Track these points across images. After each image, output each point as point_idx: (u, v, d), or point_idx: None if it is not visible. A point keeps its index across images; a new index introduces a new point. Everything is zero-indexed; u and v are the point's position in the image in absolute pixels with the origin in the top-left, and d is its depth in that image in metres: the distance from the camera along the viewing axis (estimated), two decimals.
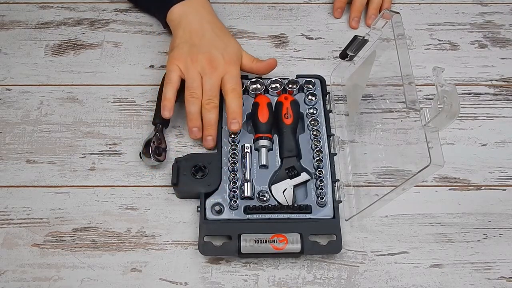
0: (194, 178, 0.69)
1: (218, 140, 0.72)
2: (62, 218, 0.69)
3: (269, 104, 0.74)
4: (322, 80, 0.77)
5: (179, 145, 0.75)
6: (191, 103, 0.71)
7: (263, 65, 0.76)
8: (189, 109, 0.71)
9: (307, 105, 0.75)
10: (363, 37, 0.69)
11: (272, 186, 0.69)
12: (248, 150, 0.71)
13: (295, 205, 0.67)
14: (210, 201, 0.68)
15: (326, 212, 0.67)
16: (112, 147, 0.75)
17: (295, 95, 0.76)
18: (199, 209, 0.67)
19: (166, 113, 0.70)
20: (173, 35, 0.76)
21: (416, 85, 0.62)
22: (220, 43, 0.74)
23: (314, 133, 0.73)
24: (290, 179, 0.69)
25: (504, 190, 0.72)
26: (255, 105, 0.74)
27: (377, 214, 0.69)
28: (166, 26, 0.81)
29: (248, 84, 0.76)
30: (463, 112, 0.78)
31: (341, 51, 0.72)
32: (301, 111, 0.75)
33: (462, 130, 0.76)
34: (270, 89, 0.76)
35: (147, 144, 0.71)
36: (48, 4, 0.89)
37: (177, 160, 0.70)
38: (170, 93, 0.71)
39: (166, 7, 0.77)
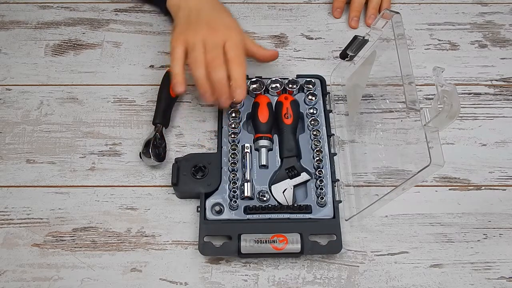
0: (194, 178, 0.69)
1: (220, 139, 0.72)
2: (62, 218, 0.69)
3: (269, 104, 0.74)
4: (322, 80, 0.77)
5: (179, 145, 0.75)
6: (195, 67, 0.68)
7: (267, 52, 0.75)
8: (195, 74, 0.69)
9: (307, 105, 0.75)
10: (363, 37, 0.69)
11: (272, 186, 0.69)
12: (248, 150, 0.71)
13: (295, 205, 0.67)
14: (210, 201, 0.68)
15: (326, 212, 0.67)
16: (112, 147, 0.75)
17: (295, 95, 0.76)
18: (199, 209, 0.67)
19: (179, 88, 0.68)
20: (174, 19, 0.76)
21: (416, 85, 0.62)
22: (219, 15, 0.74)
23: (314, 133, 0.73)
24: (290, 179, 0.69)
25: (504, 190, 0.72)
26: (255, 105, 0.74)
27: (377, 214, 0.69)
28: (167, 13, 0.81)
29: (248, 84, 0.76)
30: (463, 112, 0.78)
31: (341, 51, 0.72)
32: (301, 111, 0.75)
33: (462, 130, 0.76)
34: (270, 89, 0.76)
35: (147, 144, 0.71)
36: (48, 4, 0.89)
37: (177, 160, 0.70)
38: (177, 68, 0.69)
39: None
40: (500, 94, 0.80)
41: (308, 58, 0.83)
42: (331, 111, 0.76)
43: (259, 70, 0.80)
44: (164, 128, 0.74)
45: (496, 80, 0.81)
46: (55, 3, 0.89)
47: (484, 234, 0.68)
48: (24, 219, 0.69)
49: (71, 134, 0.76)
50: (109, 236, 0.68)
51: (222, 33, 0.70)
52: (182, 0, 0.76)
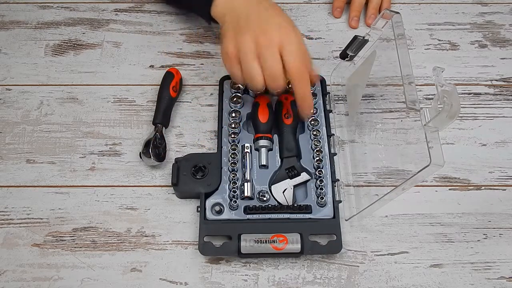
0: (194, 178, 0.69)
1: (220, 140, 0.72)
2: (62, 218, 0.69)
3: (269, 104, 0.74)
4: (322, 80, 0.77)
5: (179, 145, 0.75)
6: (252, 81, 0.64)
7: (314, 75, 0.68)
8: (251, 88, 0.67)
9: None
10: (363, 37, 0.69)
11: (272, 186, 0.69)
12: (248, 150, 0.71)
13: (295, 205, 0.67)
14: (210, 201, 0.68)
15: (326, 212, 0.67)
16: (112, 147, 0.75)
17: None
18: (199, 209, 0.67)
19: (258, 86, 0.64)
20: (221, 28, 0.69)
21: (416, 85, 0.62)
22: (271, 14, 0.65)
23: (314, 133, 0.73)
24: (290, 179, 0.69)
25: (504, 190, 0.72)
26: (255, 105, 0.74)
27: (377, 214, 0.69)
28: (211, 21, 0.73)
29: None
30: (463, 112, 0.78)
31: (341, 51, 0.72)
32: None
33: (462, 130, 0.76)
34: (270, 89, 0.76)
35: (147, 144, 0.71)
36: (48, 4, 0.89)
37: (177, 160, 0.70)
38: (239, 81, 0.67)
39: (208, 2, 0.70)
40: (500, 94, 0.80)
41: None
42: (331, 111, 0.76)
43: None
44: (164, 128, 0.74)
45: (496, 80, 0.81)
46: (55, 3, 0.89)
47: (484, 234, 0.68)
48: (24, 219, 0.69)
49: (71, 134, 0.76)
50: (109, 236, 0.68)
51: (277, 40, 0.62)
52: (227, 6, 0.69)
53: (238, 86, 0.76)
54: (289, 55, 0.62)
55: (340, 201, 0.68)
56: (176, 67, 0.80)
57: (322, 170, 0.70)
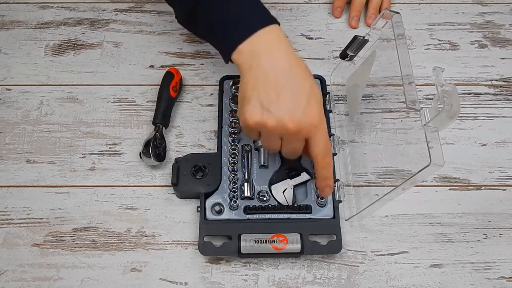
0: (194, 178, 0.69)
1: (219, 143, 0.72)
2: (62, 218, 0.69)
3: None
4: (322, 80, 0.77)
5: (179, 145, 0.75)
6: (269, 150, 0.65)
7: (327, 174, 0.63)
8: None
9: None
10: (363, 37, 0.69)
11: (272, 186, 0.69)
12: (248, 150, 0.71)
13: (295, 205, 0.67)
14: (210, 201, 0.68)
15: (326, 212, 0.67)
16: (112, 147, 0.75)
17: None
18: (199, 209, 0.67)
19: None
20: (242, 79, 0.61)
21: (416, 85, 0.62)
22: (302, 98, 0.58)
23: None
24: (290, 179, 0.69)
25: (504, 190, 0.72)
26: None
27: (377, 214, 0.69)
28: (231, 61, 0.64)
29: None
30: (463, 112, 0.78)
31: (341, 51, 0.72)
32: None
33: (462, 130, 0.76)
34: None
35: (147, 144, 0.71)
36: (48, 4, 0.89)
37: (177, 160, 0.70)
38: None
39: (231, 45, 0.61)
40: (500, 94, 0.80)
41: (308, 58, 0.83)
42: (331, 111, 0.76)
43: None
44: (164, 128, 0.74)
45: (496, 80, 0.81)
46: (55, 3, 0.89)
47: (484, 234, 0.68)
48: (24, 219, 0.69)
49: (71, 134, 0.76)
50: (109, 236, 0.68)
51: (306, 131, 0.58)
52: (254, 60, 0.59)
53: (238, 86, 0.76)
54: (316, 146, 0.59)
55: (340, 201, 0.68)
56: (176, 67, 0.80)
57: None
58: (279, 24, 0.62)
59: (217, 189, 0.68)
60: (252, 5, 0.63)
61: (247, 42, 0.60)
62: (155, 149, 0.71)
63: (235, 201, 0.67)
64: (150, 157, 0.70)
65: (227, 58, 0.63)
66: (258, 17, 0.62)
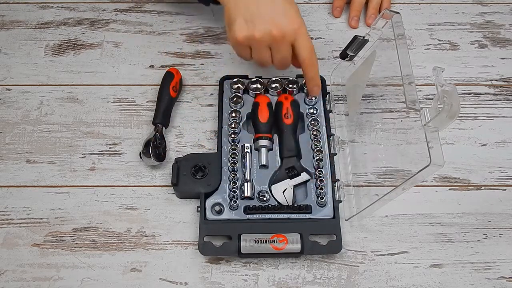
0: (194, 178, 0.69)
1: (219, 141, 0.72)
2: (62, 218, 0.69)
3: (269, 104, 0.74)
4: (322, 80, 0.77)
5: (179, 145, 0.75)
6: (262, 65, 0.69)
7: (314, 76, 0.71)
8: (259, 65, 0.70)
9: (307, 105, 0.75)
10: (363, 37, 0.69)
11: (272, 186, 0.69)
12: (248, 150, 0.71)
13: (295, 205, 0.67)
14: (210, 201, 0.68)
15: (326, 212, 0.67)
16: (112, 147, 0.75)
17: (295, 95, 0.76)
18: (199, 209, 0.67)
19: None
20: (225, 9, 0.67)
21: (416, 85, 0.61)
22: (279, 5, 0.65)
23: (314, 133, 0.73)
24: (290, 179, 0.69)
25: (504, 190, 0.72)
26: (255, 105, 0.74)
27: (377, 214, 0.69)
28: (212, 1, 0.72)
29: (248, 84, 0.76)
30: (463, 112, 0.78)
31: (341, 51, 0.72)
32: (301, 111, 0.75)
33: (462, 130, 0.76)
34: (270, 89, 0.76)
35: (147, 144, 0.71)
36: (48, 4, 0.89)
37: (177, 160, 0.70)
38: (247, 59, 0.69)
39: None
40: (500, 94, 0.80)
41: None
42: (331, 111, 0.76)
43: (259, 70, 0.80)
44: (164, 128, 0.74)
45: (496, 80, 0.81)
46: (55, 3, 0.89)
47: (484, 234, 0.68)
48: (24, 219, 0.69)
49: (71, 134, 0.76)
50: (109, 236, 0.68)
51: (290, 34, 0.65)
52: None
53: (238, 86, 0.76)
54: (301, 48, 0.66)
55: (340, 201, 0.68)
56: (176, 67, 0.80)
57: (322, 170, 0.70)
58: None
59: (217, 189, 0.68)
60: None
61: None
62: (155, 149, 0.71)
63: (235, 201, 0.67)
64: (150, 157, 0.70)
65: None
66: None
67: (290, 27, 0.65)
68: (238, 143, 0.72)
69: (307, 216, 0.67)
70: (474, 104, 0.79)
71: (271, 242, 0.64)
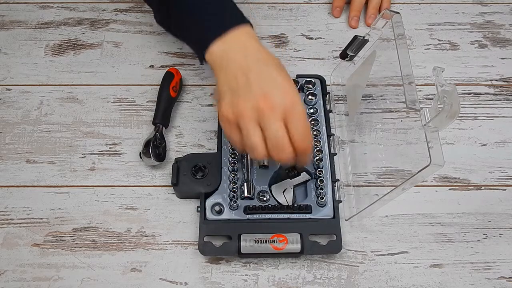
0: (194, 178, 0.69)
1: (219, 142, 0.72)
2: (62, 218, 0.69)
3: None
4: (322, 80, 0.77)
5: (179, 145, 0.75)
6: (254, 154, 0.58)
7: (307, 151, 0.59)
8: (253, 158, 0.60)
9: (307, 105, 0.75)
10: (363, 37, 0.69)
11: (272, 186, 0.69)
12: None
13: (295, 205, 0.67)
14: (210, 201, 0.68)
15: (326, 212, 0.67)
16: (112, 147, 0.75)
17: None
18: (199, 209, 0.67)
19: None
20: (216, 79, 0.61)
21: (416, 85, 0.61)
22: (272, 76, 0.58)
23: (314, 133, 0.73)
24: (290, 179, 0.69)
25: (504, 190, 0.72)
26: None
27: (377, 214, 0.69)
28: (206, 62, 0.63)
29: None
30: (463, 112, 0.78)
31: (341, 51, 0.72)
32: None
33: (462, 130, 0.76)
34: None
35: (147, 144, 0.71)
36: (48, 4, 0.89)
37: (177, 160, 0.70)
38: (239, 146, 0.60)
39: (203, 45, 0.61)
40: (500, 94, 0.80)
41: (308, 58, 0.83)
42: (331, 111, 0.76)
43: None
44: (164, 128, 0.74)
45: (496, 80, 0.81)
46: (55, 3, 0.89)
47: (484, 234, 0.68)
48: (24, 219, 0.69)
49: (71, 134, 0.76)
50: (109, 236, 0.68)
51: (281, 105, 0.56)
52: (224, 57, 0.59)
53: None
54: (294, 123, 0.56)
55: (340, 201, 0.68)
56: (176, 67, 0.80)
57: (322, 170, 0.70)
58: (251, 25, 0.62)
59: (217, 189, 0.68)
60: (223, 6, 0.63)
61: (219, 42, 0.60)
62: (155, 149, 0.71)
63: (235, 201, 0.67)
64: (150, 157, 0.70)
65: (201, 59, 0.62)
66: (229, 17, 0.62)
67: (281, 100, 0.56)
68: None
69: (307, 216, 0.67)
70: (474, 104, 0.79)
71: (271, 242, 0.64)
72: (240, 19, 0.62)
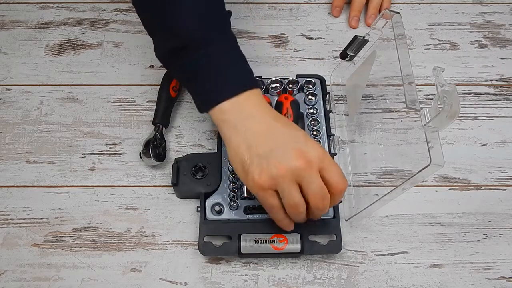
0: (194, 178, 0.69)
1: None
2: (62, 218, 0.69)
3: (269, 104, 0.74)
4: (322, 80, 0.77)
5: (179, 145, 0.75)
6: (296, 215, 0.59)
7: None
8: (296, 220, 0.61)
9: (307, 105, 0.75)
10: (363, 37, 0.69)
11: None
12: None
13: None
14: (210, 201, 0.68)
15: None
16: (112, 147, 0.75)
17: (295, 95, 0.76)
18: (199, 209, 0.67)
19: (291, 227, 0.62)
20: (229, 142, 0.58)
21: (416, 85, 0.62)
22: (295, 133, 0.58)
23: (314, 133, 0.73)
24: None
25: (504, 190, 0.72)
26: None
27: (377, 214, 0.69)
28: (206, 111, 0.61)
29: None
30: (463, 112, 0.78)
31: (341, 51, 0.72)
32: (301, 111, 0.75)
33: (462, 130, 0.76)
34: (270, 89, 0.76)
35: (147, 144, 0.71)
36: (48, 4, 0.89)
37: (177, 160, 0.70)
38: (281, 216, 0.60)
39: (212, 100, 0.59)
40: (500, 94, 0.80)
41: (308, 58, 0.83)
42: (331, 111, 0.76)
43: (259, 70, 0.80)
44: (164, 128, 0.74)
45: (496, 80, 0.81)
46: (55, 3, 0.89)
47: (484, 234, 0.68)
48: (24, 219, 0.69)
49: (71, 134, 0.76)
50: (109, 236, 0.68)
51: (316, 160, 0.55)
52: (238, 118, 0.57)
53: None
54: (332, 175, 0.56)
55: (340, 201, 0.68)
56: None
57: None
58: (261, 88, 0.61)
59: (217, 189, 0.68)
60: (239, 68, 0.61)
61: (231, 102, 0.58)
62: (155, 149, 0.71)
63: (235, 201, 0.67)
64: (150, 157, 0.70)
65: (204, 110, 0.60)
66: (244, 79, 0.61)
67: (313, 151, 0.56)
68: None
69: None
70: (474, 104, 0.79)
71: (271, 242, 0.64)
72: (253, 82, 0.61)
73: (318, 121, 0.73)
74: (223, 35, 0.61)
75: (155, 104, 0.76)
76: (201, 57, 0.59)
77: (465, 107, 0.78)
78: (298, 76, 0.77)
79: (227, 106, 0.58)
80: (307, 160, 0.55)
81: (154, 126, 0.74)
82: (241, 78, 0.61)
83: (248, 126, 0.57)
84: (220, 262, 0.66)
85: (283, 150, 0.55)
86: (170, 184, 0.70)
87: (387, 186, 0.71)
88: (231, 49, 0.62)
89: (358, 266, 0.66)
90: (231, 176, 0.69)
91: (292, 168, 0.55)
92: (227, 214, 0.67)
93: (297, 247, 0.64)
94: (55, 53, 0.83)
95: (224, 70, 0.60)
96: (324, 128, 0.73)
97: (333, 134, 0.73)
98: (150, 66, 0.82)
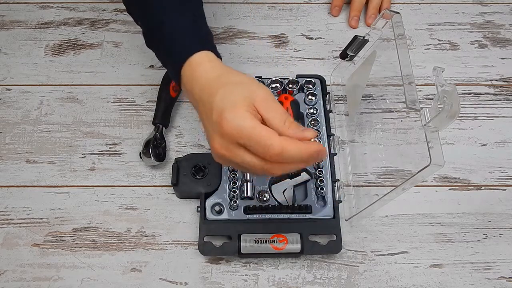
0: (194, 178, 0.69)
1: None
2: (62, 218, 0.69)
3: None
4: (322, 80, 0.77)
5: (179, 145, 0.75)
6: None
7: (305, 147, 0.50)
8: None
9: (307, 105, 0.75)
10: (363, 37, 0.69)
11: (272, 186, 0.69)
12: None
13: (295, 205, 0.67)
14: (210, 201, 0.68)
15: (326, 212, 0.67)
16: (112, 147, 0.75)
17: (295, 95, 0.76)
18: (199, 209, 0.67)
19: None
20: (196, 109, 0.57)
21: (416, 85, 0.62)
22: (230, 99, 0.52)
23: None
24: (290, 179, 0.69)
25: (504, 190, 0.72)
26: None
27: (377, 214, 0.69)
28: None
29: None
30: (463, 112, 0.78)
31: (341, 51, 0.72)
32: (301, 111, 0.75)
33: (462, 130, 0.76)
34: (270, 89, 0.76)
35: (147, 144, 0.71)
36: (48, 4, 0.89)
37: (177, 160, 0.70)
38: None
39: (176, 73, 0.59)
40: (500, 94, 0.80)
41: (308, 58, 0.83)
42: (331, 111, 0.76)
43: (259, 70, 0.80)
44: (164, 128, 0.74)
45: (496, 80, 0.81)
46: (55, 3, 0.89)
47: (484, 234, 0.68)
48: (24, 219, 0.69)
49: (71, 134, 0.76)
50: (109, 236, 0.68)
51: (233, 133, 0.50)
52: (190, 85, 0.56)
53: None
54: (255, 146, 0.49)
55: (340, 201, 0.68)
56: None
57: (322, 170, 0.70)
58: (214, 48, 0.59)
59: (217, 189, 0.68)
60: (190, 29, 0.60)
61: (185, 68, 0.56)
62: (155, 149, 0.71)
63: (235, 201, 0.67)
64: (150, 157, 0.70)
65: (179, 85, 0.60)
66: (191, 41, 0.59)
67: (230, 127, 0.49)
68: None
69: (307, 216, 0.67)
70: (474, 104, 0.79)
71: (271, 242, 0.64)
72: (200, 44, 0.58)
73: (318, 121, 0.73)
74: (186, 12, 0.61)
75: (155, 104, 0.76)
76: (161, 34, 0.61)
77: (465, 107, 0.78)
78: (298, 76, 0.77)
79: (183, 74, 0.57)
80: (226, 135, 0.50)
81: (154, 126, 0.74)
82: (186, 42, 0.59)
83: (195, 94, 0.55)
84: (220, 262, 0.66)
85: (212, 117, 0.51)
86: (170, 184, 0.70)
87: (387, 186, 0.71)
88: (192, 17, 0.61)
89: (358, 266, 0.66)
90: (231, 176, 0.69)
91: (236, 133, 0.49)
92: (227, 214, 0.67)
93: (297, 247, 0.64)
94: (55, 53, 0.83)
95: (172, 40, 0.60)
96: (324, 128, 0.73)
97: (333, 134, 0.73)
98: (150, 66, 0.82)
